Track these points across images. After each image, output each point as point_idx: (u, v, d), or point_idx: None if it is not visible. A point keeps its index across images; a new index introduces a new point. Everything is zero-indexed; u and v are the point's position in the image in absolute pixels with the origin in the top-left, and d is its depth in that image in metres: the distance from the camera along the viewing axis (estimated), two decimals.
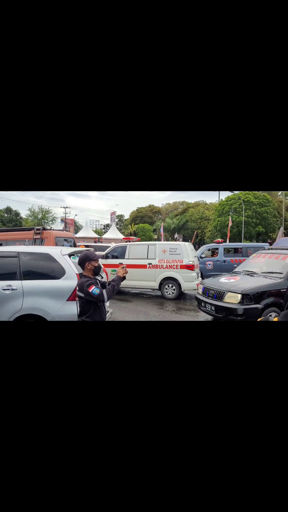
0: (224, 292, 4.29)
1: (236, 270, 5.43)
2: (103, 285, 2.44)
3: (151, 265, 7.13)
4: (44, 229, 6.38)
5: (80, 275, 2.41)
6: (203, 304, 4.70)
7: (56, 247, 3.89)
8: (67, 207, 34.29)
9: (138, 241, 8.98)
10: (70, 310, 3.18)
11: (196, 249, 10.66)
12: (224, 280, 4.73)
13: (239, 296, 4.05)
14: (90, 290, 2.20)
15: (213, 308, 4.38)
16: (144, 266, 7.17)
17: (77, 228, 35.19)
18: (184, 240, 27.70)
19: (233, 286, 4.32)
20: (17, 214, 40.42)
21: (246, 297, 4.02)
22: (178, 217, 36.45)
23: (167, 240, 30.35)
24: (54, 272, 3.34)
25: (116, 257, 7.65)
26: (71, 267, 3.33)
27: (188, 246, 7.29)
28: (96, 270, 2.42)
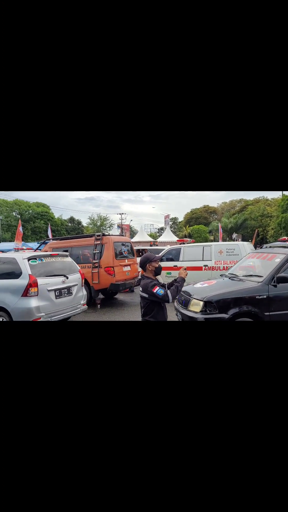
0: (189, 299, 3.77)
1: (227, 272, 4.73)
2: (164, 286, 2.50)
3: (207, 267, 6.94)
4: (103, 235, 6.83)
5: (142, 277, 2.51)
6: (176, 313, 4.16)
7: (20, 252, 4.87)
8: (122, 213, 36.00)
9: (192, 242, 8.84)
10: (24, 304, 4.02)
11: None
12: (198, 285, 4.16)
13: (201, 303, 3.51)
14: (155, 291, 2.27)
15: (180, 317, 3.86)
16: (199, 268, 7.02)
17: (133, 233, 36.47)
18: (244, 239, 26.08)
19: (200, 293, 3.74)
20: (79, 223, 44.10)
21: (210, 305, 3.44)
22: (235, 216, 34.56)
23: (225, 240, 29.02)
24: (16, 273, 4.25)
25: (171, 260, 7.69)
26: (26, 269, 4.19)
27: (247, 246, 6.87)
28: (157, 271, 2.50)
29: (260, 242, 27.32)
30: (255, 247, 9.04)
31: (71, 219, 44.10)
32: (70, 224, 43.04)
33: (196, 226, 36.46)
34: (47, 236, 17.25)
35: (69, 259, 5.20)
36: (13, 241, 16.28)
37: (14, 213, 33.58)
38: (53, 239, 8.38)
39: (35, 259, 4.41)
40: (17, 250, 6.86)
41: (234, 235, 25.89)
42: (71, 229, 41.78)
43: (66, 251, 7.14)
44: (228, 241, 27.19)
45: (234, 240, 24.33)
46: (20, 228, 9.26)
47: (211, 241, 30.74)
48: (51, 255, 4.78)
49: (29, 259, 4.31)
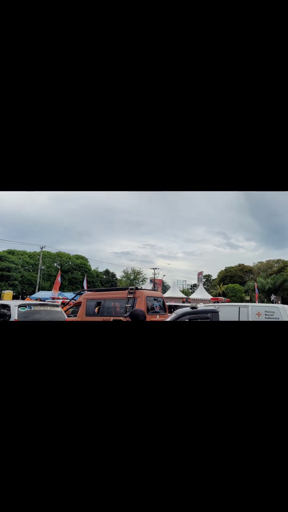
0: None
1: None
2: None
3: None
4: (137, 288, 6.94)
5: None
6: None
7: (14, 300, 5.87)
8: (156, 268, 36.59)
9: (228, 302, 8.49)
10: None
11: None
12: None
13: None
14: None
15: None
16: None
17: (165, 288, 36.23)
18: (283, 302, 24.32)
19: None
20: (113, 275, 45.54)
21: None
22: (273, 277, 32.99)
23: (262, 302, 27.21)
24: (8, 317, 5.02)
25: None
26: (15, 314, 5.02)
27: None
28: None
29: None
30: None
31: (106, 272, 45.82)
32: (105, 277, 44.57)
33: (231, 284, 35.28)
34: (83, 287, 17.91)
35: (58, 308, 5.88)
36: (51, 290, 17.15)
37: (55, 264, 36.08)
38: (88, 290, 8.68)
39: (25, 306, 5.33)
40: (53, 298, 7.22)
41: (273, 297, 24.33)
42: (105, 281, 43.06)
43: (99, 303, 7.28)
44: (266, 302, 25.44)
45: (272, 302, 22.71)
46: (59, 278, 9.85)
47: (247, 301, 29.07)
48: (40, 304, 5.73)
49: (19, 306, 5.14)
